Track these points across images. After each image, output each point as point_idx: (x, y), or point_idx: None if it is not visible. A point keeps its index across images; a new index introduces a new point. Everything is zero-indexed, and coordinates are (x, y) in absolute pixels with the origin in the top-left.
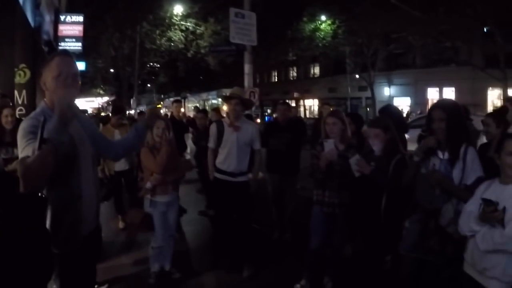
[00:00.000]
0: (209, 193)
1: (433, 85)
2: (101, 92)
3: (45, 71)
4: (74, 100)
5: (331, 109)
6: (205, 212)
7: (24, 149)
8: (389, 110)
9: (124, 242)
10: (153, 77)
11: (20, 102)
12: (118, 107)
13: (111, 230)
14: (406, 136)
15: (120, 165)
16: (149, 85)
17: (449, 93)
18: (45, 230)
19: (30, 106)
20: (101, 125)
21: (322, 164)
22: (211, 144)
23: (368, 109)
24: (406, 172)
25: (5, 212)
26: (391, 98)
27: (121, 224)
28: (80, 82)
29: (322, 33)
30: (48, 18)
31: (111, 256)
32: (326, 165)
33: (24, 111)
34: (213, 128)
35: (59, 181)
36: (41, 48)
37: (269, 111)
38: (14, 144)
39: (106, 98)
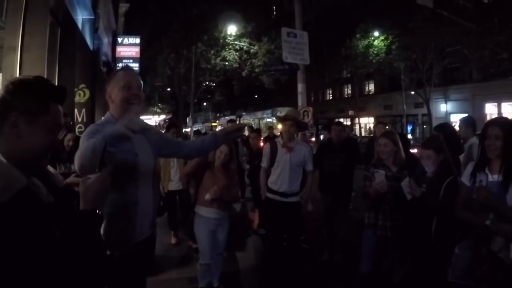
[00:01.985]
0: (260, 212)
1: (491, 100)
2: (158, 110)
3: (109, 85)
4: (139, 113)
5: (387, 127)
6: (256, 231)
7: (84, 143)
8: (444, 129)
9: (176, 257)
10: (209, 96)
11: (79, 120)
12: (171, 123)
13: (164, 245)
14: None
15: (174, 185)
16: (205, 103)
17: (508, 108)
18: (101, 245)
19: (89, 123)
20: None
21: (372, 193)
22: (264, 163)
23: (424, 127)
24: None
25: (64, 225)
26: (448, 114)
27: (173, 240)
28: (143, 94)
29: (376, 49)
30: (106, 40)
31: (162, 270)
32: (376, 195)
33: (83, 128)
34: (266, 148)
35: (115, 188)
36: (100, 69)
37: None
38: (70, 160)
39: (163, 116)
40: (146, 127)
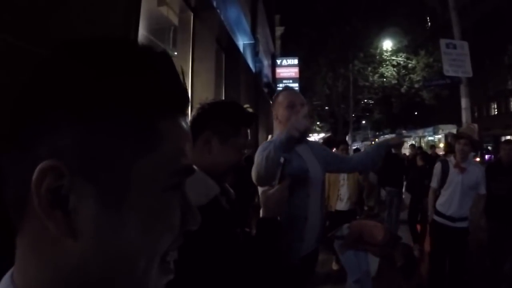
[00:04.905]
0: (413, 232)
1: None
2: (318, 129)
3: (275, 106)
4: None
5: None
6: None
7: (259, 156)
8: None
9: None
10: (368, 114)
11: None
12: (330, 140)
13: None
14: None
15: (344, 205)
16: (363, 121)
17: None
18: (279, 250)
19: (253, 141)
20: None
21: None
22: (433, 184)
23: None
24: None
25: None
26: None
27: (334, 266)
28: (307, 109)
29: None
30: (266, 62)
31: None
32: None
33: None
34: (437, 168)
35: (288, 202)
36: (262, 90)
37: (489, 148)
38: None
39: (322, 135)
40: (310, 130)
